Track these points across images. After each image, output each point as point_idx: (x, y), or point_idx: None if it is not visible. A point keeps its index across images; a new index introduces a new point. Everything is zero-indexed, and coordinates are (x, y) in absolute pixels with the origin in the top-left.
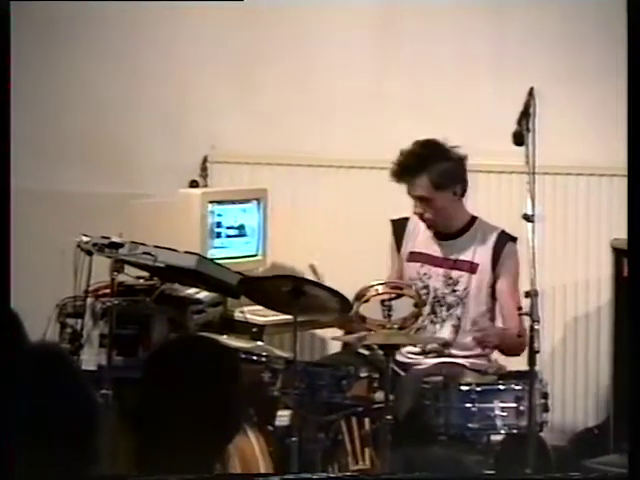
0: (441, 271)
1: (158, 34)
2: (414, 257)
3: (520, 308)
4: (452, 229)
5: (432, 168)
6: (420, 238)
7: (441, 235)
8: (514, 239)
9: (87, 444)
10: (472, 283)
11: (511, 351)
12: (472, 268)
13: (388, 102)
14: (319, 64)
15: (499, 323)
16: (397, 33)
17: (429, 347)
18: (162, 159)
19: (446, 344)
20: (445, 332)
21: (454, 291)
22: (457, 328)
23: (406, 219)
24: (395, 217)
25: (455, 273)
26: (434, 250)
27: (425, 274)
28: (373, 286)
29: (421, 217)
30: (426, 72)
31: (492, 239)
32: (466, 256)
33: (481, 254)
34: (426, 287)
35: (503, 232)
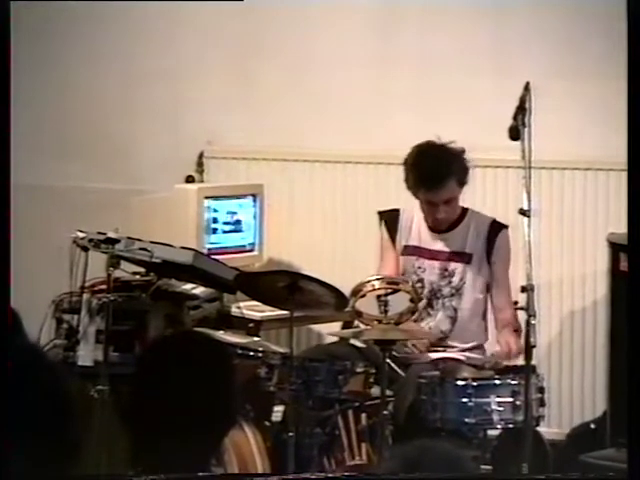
0: (437, 264)
1: (154, 30)
2: (408, 250)
3: (516, 302)
4: (449, 222)
5: (455, 168)
6: (414, 231)
7: (435, 228)
8: (506, 227)
9: (63, 438)
10: (467, 274)
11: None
12: (467, 259)
13: (385, 97)
14: (316, 60)
15: (492, 313)
16: (395, 28)
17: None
18: (158, 155)
19: (443, 337)
20: (442, 324)
21: (450, 282)
22: (454, 319)
23: (396, 210)
24: (383, 209)
25: (452, 265)
26: (429, 243)
27: (420, 267)
28: (369, 281)
29: (440, 219)
30: (424, 67)
31: (485, 228)
32: (460, 247)
33: (475, 244)
34: (421, 280)
35: (495, 221)
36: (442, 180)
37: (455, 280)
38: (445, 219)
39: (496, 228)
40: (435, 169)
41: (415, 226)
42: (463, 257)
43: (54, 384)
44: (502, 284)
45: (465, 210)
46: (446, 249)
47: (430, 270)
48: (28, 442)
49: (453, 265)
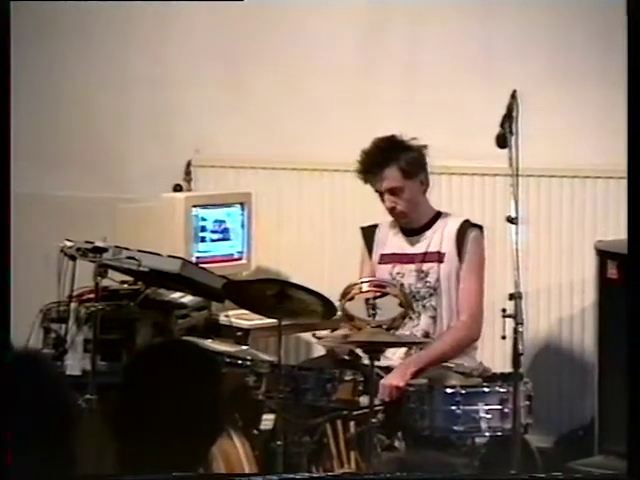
0: (413, 267)
1: (145, 39)
2: (385, 259)
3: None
4: (419, 223)
5: (399, 157)
6: (389, 240)
7: (409, 231)
8: (478, 226)
9: (63, 446)
10: (441, 272)
11: (460, 349)
12: (440, 257)
13: (373, 105)
14: (304, 68)
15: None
16: (384, 36)
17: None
18: (146, 163)
19: (427, 335)
20: (423, 324)
21: (426, 283)
22: (434, 318)
23: (375, 226)
24: (364, 225)
25: (426, 265)
26: (404, 248)
27: (398, 273)
28: (357, 284)
29: (392, 211)
30: (412, 76)
31: (455, 227)
32: (434, 247)
33: (446, 243)
34: (401, 286)
35: (466, 221)
36: (380, 166)
37: (431, 280)
38: (397, 211)
39: (466, 227)
40: (373, 155)
41: (391, 235)
42: (436, 256)
43: (58, 397)
44: (466, 286)
45: (439, 213)
46: (420, 250)
47: (408, 274)
48: (29, 453)
49: (427, 265)
